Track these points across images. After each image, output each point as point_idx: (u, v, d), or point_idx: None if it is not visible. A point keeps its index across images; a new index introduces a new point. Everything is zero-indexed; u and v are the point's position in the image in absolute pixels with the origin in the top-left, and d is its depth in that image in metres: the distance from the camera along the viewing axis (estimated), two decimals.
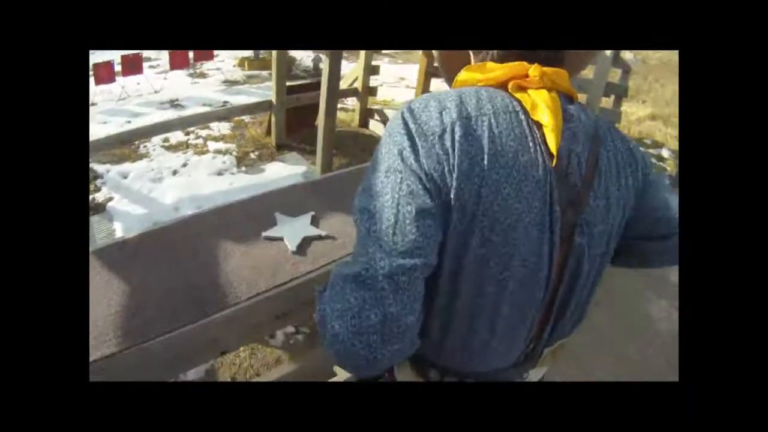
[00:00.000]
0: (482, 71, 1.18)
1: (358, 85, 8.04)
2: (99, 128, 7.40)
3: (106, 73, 7.41)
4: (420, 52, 7.42)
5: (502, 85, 1.15)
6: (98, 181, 5.91)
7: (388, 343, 0.98)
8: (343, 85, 8.19)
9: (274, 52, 6.63)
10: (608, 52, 5.63)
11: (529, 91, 1.12)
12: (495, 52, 1.20)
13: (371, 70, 7.97)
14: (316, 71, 10.33)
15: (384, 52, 8.31)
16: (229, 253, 2.48)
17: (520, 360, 1.26)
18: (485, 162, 1.02)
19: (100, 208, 5.39)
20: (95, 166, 6.22)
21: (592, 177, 1.13)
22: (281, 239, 2.58)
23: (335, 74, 5.56)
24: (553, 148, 1.06)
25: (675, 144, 9.53)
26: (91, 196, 5.57)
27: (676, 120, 10.93)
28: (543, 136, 1.08)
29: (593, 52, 1.41)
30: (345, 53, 10.84)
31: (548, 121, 1.07)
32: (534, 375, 1.34)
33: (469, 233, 1.03)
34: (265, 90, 9.42)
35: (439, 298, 1.11)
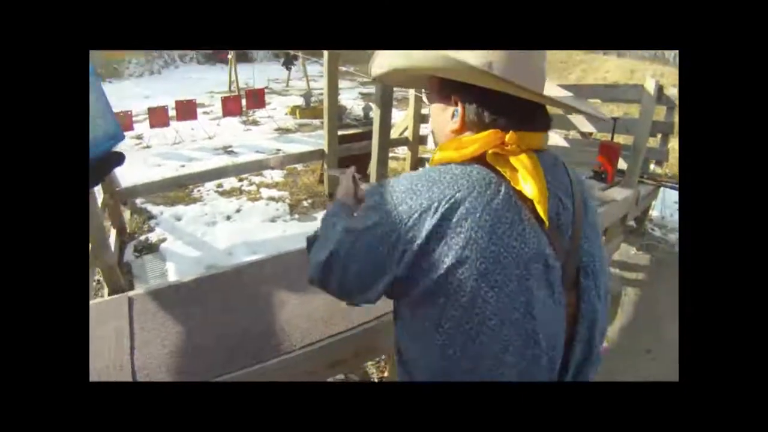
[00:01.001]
0: (457, 147, 1.18)
1: (408, 134, 8.10)
2: (153, 171, 7.59)
3: (161, 117, 7.57)
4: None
5: (480, 159, 1.15)
6: (152, 222, 6.04)
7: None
8: (394, 134, 8.26)
9: (325, 102, 6.73)
10: (651, 91, 5.55)
11: (510, 159, 1.12)
12: (461, 108, 1.21)
13: (421, 118, 8.05)
14: (367, 119, 10.42)
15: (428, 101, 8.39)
16: (283, 301, 2.52)
17: None
18: (468, 254, 1.05)
19: (154, 247, 5.50)
20: (149, 207, 6.38)
21: (579, 222, 1.19)
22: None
23: (386, 123, 5.62)
24: (543, 215, 1.08)
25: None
26: (144, 236, 5.69)
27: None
28: (526, 201, 1.10)
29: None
30: (394, 101, 10.93)
31: (533, 190, 1.08)
32: None
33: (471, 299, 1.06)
34: (317, 138, 9.56)
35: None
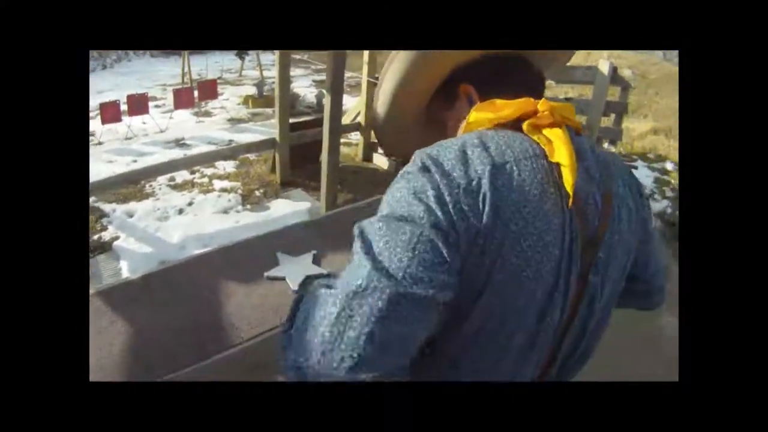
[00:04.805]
0: (493, 110, 1.14)
1: (360, 119, 8.10)
2: (105, 167, 7.48)
3: (113, 113, 7.47)
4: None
5: (515, 125, 1.12)
6: (104, 220, 5.97)
7: None
8: (346, 119, 8.24)
9: (276, 90, 6.70)
10: (605, 72, 5.63)
11: (544, 131, 1.09)
12: (474, 93, 1.22)
13: (373, 104, 8.05)
14: (320, 107, 10.40)
15: None
16: (232, 293, 2.50)
17: None
18: (509, 214, 0.98)
19: (107, 246, 5.44)
20: (102, 206, 6.28)
21: (608, 214, 1.12)
22: (283, 279, 2.60)
23: (337, 109, 5.60)
24: (569, 189, 1.02)
25: (677, 156, 9.61)
26: (97, 236, 5.61)
27: (678, 132, 11.05)
28: (561, 177, 1.04)
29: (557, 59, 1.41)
30: (347, 87, 10.87)
31: (566, 161, 1.03)
32: None
33: (484, 282, 1.00)
34: (270, 127, 9.49)
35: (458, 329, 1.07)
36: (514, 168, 1.02)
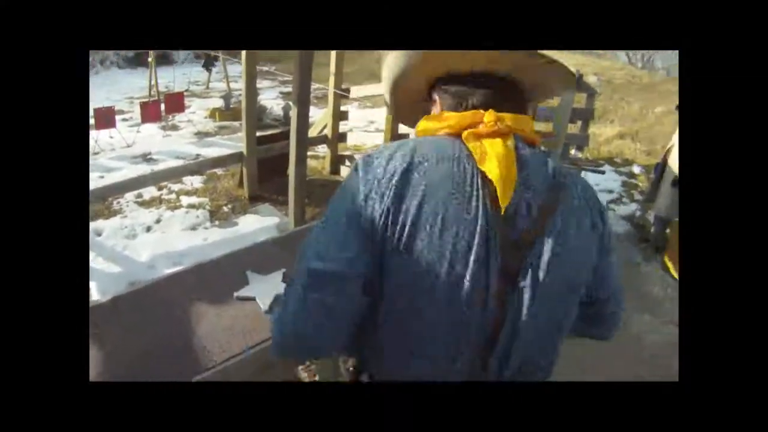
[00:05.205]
0: (438, 120, 1.32)
1: (327, 131, 8.09)
2: None
3: (108, 118, 7.40)
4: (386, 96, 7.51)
5: (458, 134, 1.26)
6: None
7: None
8: (313, 132, 8.23)
9: (243, 103, 6.69)
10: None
11: (484, 140, 1.22)
12: (452, 100, 1.35)
13: (340, 115, 8.04)
14: (287, 119, 10.36)
15: (352, 97, 8.37)
16: (203, 314, 2.50)
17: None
18: (414, 202, 1.16)
19: None
20: None
21: (544, 222, 1.22)
22: (254, 299, 2.60)
23: (304, 121, 5.60)
24: (500, 196, 1.16)
25: (644, 159, 9.77)
26: None
27: (644, 135, 11.21)
28: (487, 181, 1.18)
29: (553, 88, 1.51)
30: (314, 99, 10.84)
31: (495, 172, 1.17)
32: None
33: (393, 262, 1.18)
34: (237, 141, 9.42)
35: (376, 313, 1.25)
36: (431, 167, 1.19)
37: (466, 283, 1.16)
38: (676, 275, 6.13)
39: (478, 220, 1.16)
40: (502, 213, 1.18)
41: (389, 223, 1.16)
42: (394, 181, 1.17)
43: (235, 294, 2.62)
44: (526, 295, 1.21)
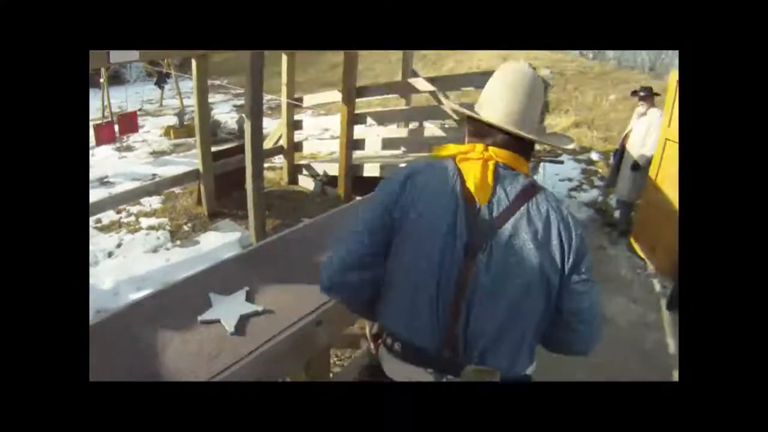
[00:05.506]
0: (445, 150, 1.92)
1: (283, 141, 8.07)
2: None
3: (108, 133, 7.31)
4: (340, 101, 7.53)
5: (454, 157, 1.85)
6: None
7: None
8: (269, 143, 8.22)
9: (196, 119, 6.64)
10: None
11: (471, 162, 1.80)
12: (468, 132, 1.95)
13: (294, 125, 8.03)
14: (242, 133, 10.29)
15: (305, 106, 8.38)
16: (168, 341, 2.46)
17: (441, 350, 1.74)
18: (414, 194, 1.80)
19: None
20: None
21: (505, 219, 1.73)
22: (218, 321, 2.58)
23: (258, 134, 5.57)
24: (475, 195, 1.75)
25: (602, 146, 9.98)
26: None
27: (600, 123, 11.44)
28: (468, 193, 1.75)
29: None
30: (268, 110, 10.81)
31: (471, 181, 1.76)
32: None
33: (402, 240, 1.81)
34: (193, 158, 9.34)
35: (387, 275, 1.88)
36: (428, 174, 1.84)
37: (443, 250, 1.72)
38: (642, 255, 6.23)
39: (455, 210, 1.73)
40: (477, 208, 1.73)
41: (401, 206, 1.81)
42: (404, 181, 1.84)
43: (199, 318, 2.59)
44: (482, 266, 1.69)
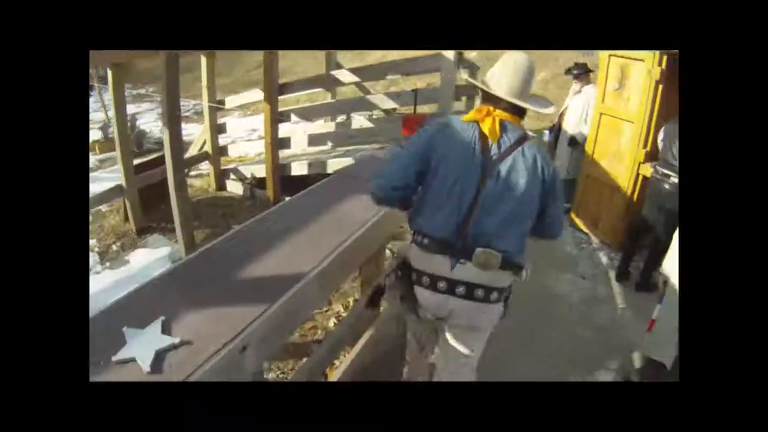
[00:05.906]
0: (471, 113, 2.78)
1: (207, 147, 7.89)
2: None
3: None
4: (263, 100, 7.39)
5: (473, 119, 2.73)
6: None
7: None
8: (193, 150, 8.08)
9: (115, 131, 6.43)
10: (450, 57, 5.78)
11: (484, 117, 2.69)
12: (479, 100, 2.90)
13: (218, 128, 7.86)
14: None
15: (228, 108, 8.24)
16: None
17: (458, 241, 2.68)
18: (443, 142, 2.69)
19: None
20: None
21: (503, 157, 2.66)
22: (134, 360, 2.35)
23: (178, 142, 5.41)
24: (488, 136, 2.66)
25: (535, 124, 10.12)
26: None
27: None
28: (483, 137, 2.66)
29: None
30: (193, 116, 10.59)
31: (486, 128, 2.66)
32: (469, 271, 2.70)
33: (435, 169, 2.70)
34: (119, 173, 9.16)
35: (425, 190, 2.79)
36: (454, 128, 2.72)
37: (466, 173, 2.64)
38: (585, 230, 6.27)
39: (473, 150, 2.64)
40: (489, 146, 2.64)
41: (432, 149, 2.71)
42: (434, 133, 2.75)
43: (113, 358, 2.36)
44: (491, 183, 2.63)
